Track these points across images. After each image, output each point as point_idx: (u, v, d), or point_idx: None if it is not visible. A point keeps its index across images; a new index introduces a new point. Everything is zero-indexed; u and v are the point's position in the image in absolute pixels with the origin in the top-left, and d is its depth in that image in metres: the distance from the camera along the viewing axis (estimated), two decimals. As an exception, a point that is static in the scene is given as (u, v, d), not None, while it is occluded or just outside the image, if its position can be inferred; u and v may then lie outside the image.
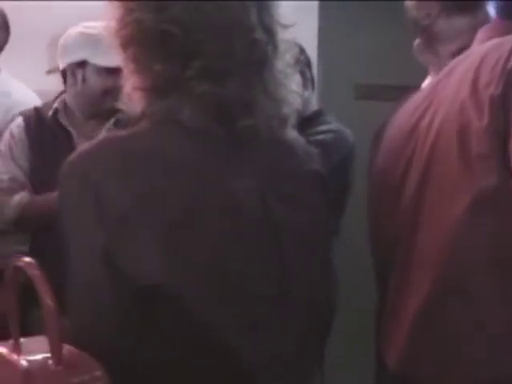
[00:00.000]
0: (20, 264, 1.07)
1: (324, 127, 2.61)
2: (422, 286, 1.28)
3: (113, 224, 1.11)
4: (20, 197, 2.60)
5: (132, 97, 1.23)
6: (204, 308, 1.13)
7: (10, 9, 3.14)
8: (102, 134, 2.70)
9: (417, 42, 1.77)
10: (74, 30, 2.69)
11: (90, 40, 2.61)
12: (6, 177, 2.62)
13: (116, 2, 1.23)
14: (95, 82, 2.65)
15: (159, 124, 1.18)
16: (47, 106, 2.74)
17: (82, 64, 2.64)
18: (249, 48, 1.18)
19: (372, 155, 1.50)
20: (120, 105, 2.61)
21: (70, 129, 2.67)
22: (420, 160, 1.32)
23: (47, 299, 1.03)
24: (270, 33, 1.21)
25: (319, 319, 1.28)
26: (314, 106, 2.67)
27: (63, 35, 2.72)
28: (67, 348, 1.06)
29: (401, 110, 1.48)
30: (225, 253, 1.16)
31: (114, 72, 2.62)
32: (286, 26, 1.26)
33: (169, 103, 1.17)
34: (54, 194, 2.47)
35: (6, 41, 3.11)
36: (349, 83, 3.68)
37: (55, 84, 2.84)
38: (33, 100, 3.02)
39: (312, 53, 2.79)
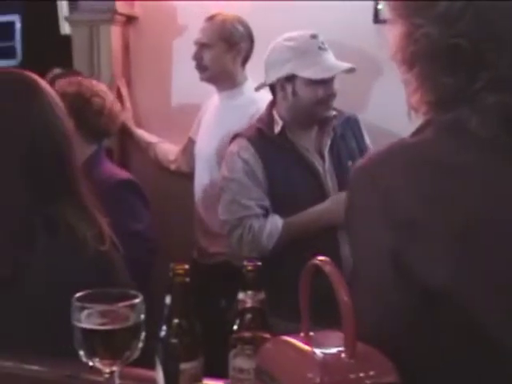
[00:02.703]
0: (315, 262, 1.14)
1: None
2: None
3: (401, 228, 1.15)
4: (272, 224, 2.66)
5: (418, 110, 1.27)
6: (489, 319, 1.13)
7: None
8: (327, 142, 2.78)
9: None
10: (278, 45, 2.74)
11: (295, 53, 2.67)
12: (252, 203, 2.68)
13: (401, 19, 1.26)
14: (306, 94, 2.68)
15: (445, 132, 1.21)
16: (261, 120, 2.81)
17: (291, 78, 2.69)
18: None
19: None
20: (332, 112, 2.69)
21: (295, 141, 2.73)
22: None
23: (343, 295, 1.08)
24: None
25: None
26: None
27: (268, 50, 2.77)
28: (358, 343, 1.11)
29: None
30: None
31: (322, 81, 2.68)
32: None
33: (456, 113, 1.19)
34: (308, 212, 2.59)
35: (250, 51, 3.25)
36: None
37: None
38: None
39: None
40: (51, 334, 1.52)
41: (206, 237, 3.27)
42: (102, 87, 2.94)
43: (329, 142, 2.79)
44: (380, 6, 3.16)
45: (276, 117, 2.74)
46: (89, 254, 1.63)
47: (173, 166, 3.59)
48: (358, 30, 3.20)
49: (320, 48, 2.69)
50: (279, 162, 2.70)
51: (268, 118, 2.77)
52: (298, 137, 2.74)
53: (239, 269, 2.96)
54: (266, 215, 2.69)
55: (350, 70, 2.68)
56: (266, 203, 2.69)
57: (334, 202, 2.64)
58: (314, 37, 2.70)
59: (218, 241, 3.11)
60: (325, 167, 2.74)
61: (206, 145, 3.28)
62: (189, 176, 3.46)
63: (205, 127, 3.35)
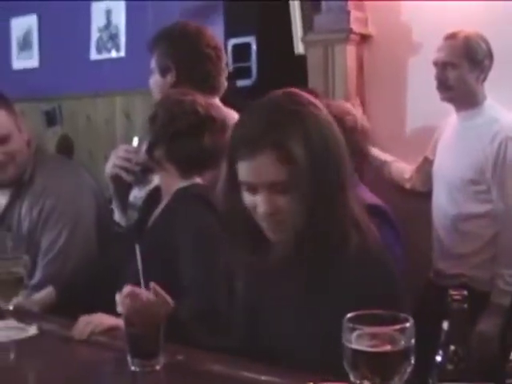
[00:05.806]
0: None
1: None
2: None
3: None
4: None
5: None
6: None
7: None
8: None
9: None
10: None
11: None
12: None
13: None
14: None
15: None
16: None
17: None
18: None
19: None
20: None
21: None
22: None
23: None
24: None
25: None
26: None
27: None
28: None
29: None
30: None
31: None
32: None
33: None
34: None
35: (490, 68, 3.17)
36: None
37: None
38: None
39: None
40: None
41: (444, 258, 3.21)
42: (350, 106, 2.99)
43: None
44: None
45: None
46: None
47: (407, 185, 3.56)
48: None
49: None
50: None
51: None
52: None
53: (476, 292, 2.90)
54: None
55: None
56: None
57: None
58: None
59: (458, 262, 3.05)
60: None
61: (444, 165, 3.24)
62: (423, 195, 3.42)
63: (443, 147, 3.30)
